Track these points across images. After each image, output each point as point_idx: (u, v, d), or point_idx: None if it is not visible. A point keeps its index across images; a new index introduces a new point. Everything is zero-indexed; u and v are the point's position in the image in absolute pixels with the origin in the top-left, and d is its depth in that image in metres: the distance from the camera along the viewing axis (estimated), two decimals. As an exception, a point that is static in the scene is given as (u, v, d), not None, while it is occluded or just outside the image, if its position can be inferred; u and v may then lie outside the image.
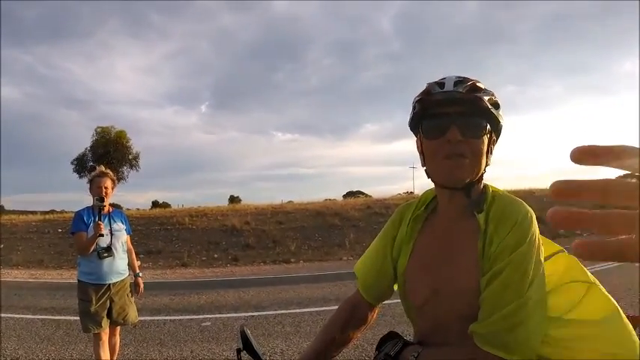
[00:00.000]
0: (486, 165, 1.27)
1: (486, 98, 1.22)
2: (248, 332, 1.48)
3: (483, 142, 1.23)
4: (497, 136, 1.31)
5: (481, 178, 1.28)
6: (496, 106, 1.25)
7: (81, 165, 41.38)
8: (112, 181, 4.41)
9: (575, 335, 1.18)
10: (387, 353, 1.28)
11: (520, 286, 1.12)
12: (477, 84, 1.24)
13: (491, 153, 1.28)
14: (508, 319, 1.10)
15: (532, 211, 1.23)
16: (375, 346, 1.39)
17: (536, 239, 1.18)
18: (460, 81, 1.24)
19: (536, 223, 1.20)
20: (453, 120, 1.21)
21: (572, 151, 0.40)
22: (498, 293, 1.13)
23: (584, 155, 0.40)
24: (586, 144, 0.40)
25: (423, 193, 1.47)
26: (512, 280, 1.13)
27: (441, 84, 1.25)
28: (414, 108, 1.30)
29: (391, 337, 1.35)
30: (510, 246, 1.15)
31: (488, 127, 1.24)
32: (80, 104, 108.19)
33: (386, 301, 1.55)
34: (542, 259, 1.19)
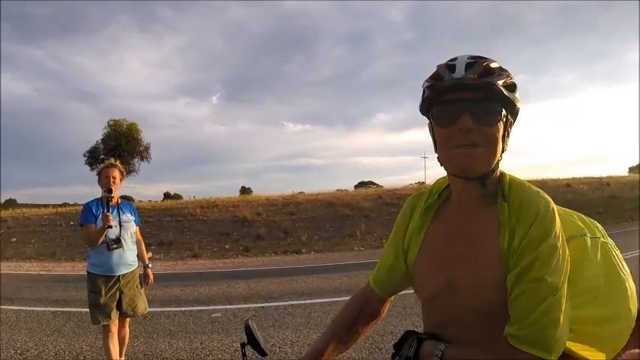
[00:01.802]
0: (503, 151, 1.19)
1: (501, 82, 1.13)
2: (253, 326, 1.43)
3: (498, 128, 1.15)
4: (514, 119, 1.22)
5: (497, 165, 1.20)
6: (512, 88, 1.16)
7: (93, 158, 41.62)
8: (120, 172, 4.39)
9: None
10: (407, 356, 1.21)
11: (553, 280, 1.07)
12: (491, 65, 1.16)
13: (508, 137, 1.20)
14: (546, 317, 1.05)
15: (552, 202, 1.16)
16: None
17: (561, 230, 1.12)
18: (472, 63, 1.15)
19: (557, 213, 1.14)
20: (465, 107, 1.13)
21: None
22: (531, 290, 1.07)
23: None
24: None
25: (436, 182, 1.40)
26: (543, 274, 1.07)
27: (451, 67, 1.17)
28: (423, 93, 1.22)
29: (406, 337, 1.28)
30: (536, 239, 1.09)
31: (504, 111, 1.16)
32: (91, 98, 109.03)
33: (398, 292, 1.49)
34: (567, 250, 1.13)
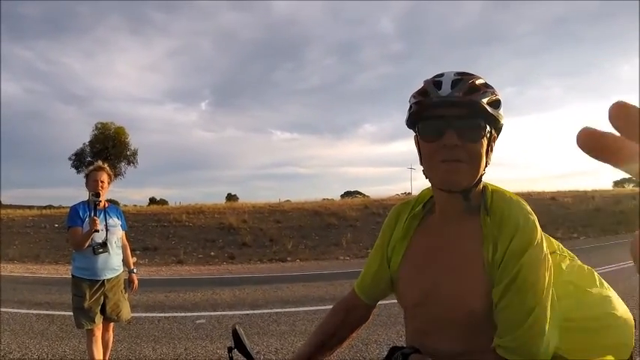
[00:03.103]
0: (486, 165, 1.23)
1: (485, 99, 1.16)
2: (241, 331, 1.45)
3: (482, 144, 1.18)
4: (498, 134, 1.26)
5: (480, 179, 1.24)
6: (496, 104, 1.20)
7: (79, 160, 41.36)
8: (109, 175, 4.36)
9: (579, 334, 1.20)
10: None
11: (537, 289, 1.10)
12: (477, 82, 1.19)
13: (491, 151, 1.24)
14: (534, 327, 1.09)
15: (532, 211, 1.20)
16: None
17: (543, 240, 1.16)
18: (458, 80, 1.18)
19: (538, 223, 1.18)
20: (450, 123, 1.16)
21: (579, 134, 0.32)
22: (518, 301, 1.11)
23: (588, 142, 0.32)
24: (594, 129, 0.32)
25: (421, 192, 1.43)
26: (528, 284, 1.10)
27: (438, 84, 1.20)
28: (410, 108, 1.25)
29: (392, 353, 1.31)
30: (518, 251, 1.13)
31: (488, 128, 1.19)
32: (79, 100, 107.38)
33: (381, 301, 1.52)
34: (549, 259, 1.17)
